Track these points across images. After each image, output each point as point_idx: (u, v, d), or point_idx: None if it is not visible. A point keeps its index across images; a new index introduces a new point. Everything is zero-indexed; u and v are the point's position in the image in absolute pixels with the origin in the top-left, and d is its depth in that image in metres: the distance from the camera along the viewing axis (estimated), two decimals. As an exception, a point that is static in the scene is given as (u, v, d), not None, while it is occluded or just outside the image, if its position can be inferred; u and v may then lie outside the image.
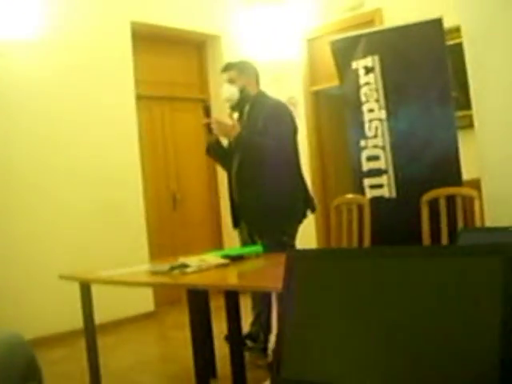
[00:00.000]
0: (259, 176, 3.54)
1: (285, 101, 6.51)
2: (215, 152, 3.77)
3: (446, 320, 0.82)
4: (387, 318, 0.87)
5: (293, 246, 3.64)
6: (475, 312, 0.80)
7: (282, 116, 3.67)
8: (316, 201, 6.18)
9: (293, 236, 3.67)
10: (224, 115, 3.71)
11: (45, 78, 4.82)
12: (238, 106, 3.70)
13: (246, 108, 3.68)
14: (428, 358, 0.82)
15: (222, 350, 3.57)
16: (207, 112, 3.63)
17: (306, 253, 1.01)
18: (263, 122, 3.55)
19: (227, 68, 3.76)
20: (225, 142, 3.76)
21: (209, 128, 3.59)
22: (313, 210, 3.81)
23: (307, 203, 3.76)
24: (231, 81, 3.66)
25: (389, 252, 0.91)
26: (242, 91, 3.66)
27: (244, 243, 3.69)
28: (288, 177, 3.65)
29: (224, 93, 3.67)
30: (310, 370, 0.91)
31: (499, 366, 0.75)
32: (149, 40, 5.79)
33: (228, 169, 3.82)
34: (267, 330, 3.81)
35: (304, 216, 3.75)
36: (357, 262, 0.95)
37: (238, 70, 3.71)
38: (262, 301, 3.73)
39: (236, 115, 3.75)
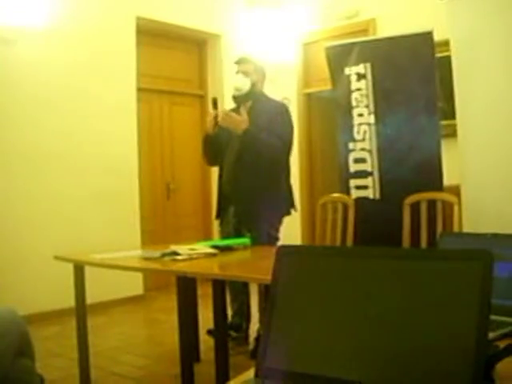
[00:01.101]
0: (258, 170, 3.54)
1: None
2: (211, 143, 3.71)
3: (424, 319, 0.83)
4: (368, 315, 0.87)
5: (278, 238, 3.68)
6: (453, 313, 0.81)
7: (286, 117, 3.68)
8: (303, 198, 6.22)
9: (278, 229, 3.70)
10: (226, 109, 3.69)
11: (50, 67, 4.79)
12: (242, 99, 3.66)
13: (249, 103, 3.66)
14: (406, 354, 0.82)
15: (206, 336, 3.58)
16: (215, 104, 3.57)
17: (295, 248, 1.01)
18: (268, 120, 3.55)
19: (245, 61, 3.75)
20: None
21: (215, 120, 3.55)
22: (295, 210, 3.86)
23: (292, 201, 3.78)
24: (246, 73, 3.66)
25: (374, 252, 0.91)
26: (252, 85, 3.66)
27: (227, 236, 3.65)
28: (282, 175, 3.70)
29: (237, 81, 3.64)
30: (294, 360, 0.92)
31: (473, 365, 0.76)
32: (152, 35, 5.78)
33: (215, 162, 3.85)
34: (246, 319, 3.84)
35: (288, 213, 3.78)
36: (343, 260, 0.95)
37: (254, 66, 3.73)
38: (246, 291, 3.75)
39: (233, 108, 3.72)
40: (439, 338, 0.80)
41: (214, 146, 3.72)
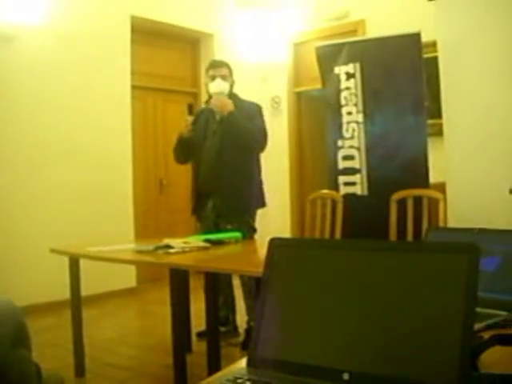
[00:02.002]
0: (241, 160, 3.63)
1: (270, 99, 6.56)
2: (185, 145, 3.74)
3: (412, 310, 0.83)
4: (358, 306, 0.88)
5: (256, 229, 3.74)
6: (440, 304, 0.81)
7: (262, 114, 3.77)
8: (293, 194, 6.23)
9: (255, 220, 3.77)
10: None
11: (46, 64, 4.77)
12: None
13: None
14: (394, 345, 0.83)
15: (198, 327, 3.58)
16: (191, 110, 3.68)
17: (287, 241, 1.01)
18: (247, 117, 3.61)
19: (222, 64, 3.76)
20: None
21: (192, 125, 3.63)
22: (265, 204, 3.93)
23: (264, 195, 3.86)
24: (224, 77, 3.67)
25: (364, 245, 0.92)
26: (230, 88, 3.70)
27: (207, 230, 3.64)
28: (256, 170, 3.78)
29: (217, 87, 3.64)
30: (286, 349, 0.92)
31: (460, 354, 0.76)
32: (147, 34, 5.76)
33: (185, 161, 3.91)
34: (233, 311, 3.85)
35: (264, 205, 3.86)
36: (333, 252, 0.95)
37: (230, 70, 3.75)
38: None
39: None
40: (426, 328, 0.81)
41: (187, 147, 3.75)
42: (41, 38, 4.69)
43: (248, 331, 3.60)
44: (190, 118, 3.64)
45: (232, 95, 3.71)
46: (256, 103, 3.82)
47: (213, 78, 3.66)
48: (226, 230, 3.57)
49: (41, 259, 4.34)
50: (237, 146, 3.59)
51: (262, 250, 1.03)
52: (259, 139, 3.65)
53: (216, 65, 3.77)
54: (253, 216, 3.76)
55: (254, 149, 3.70)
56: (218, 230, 3.59)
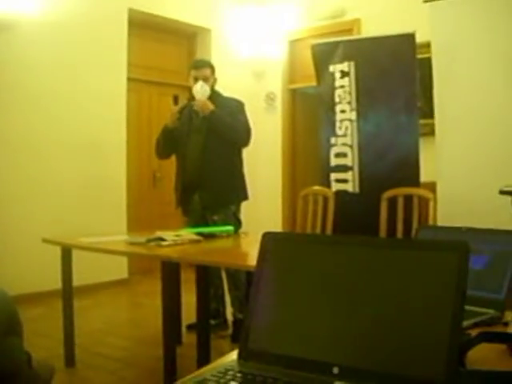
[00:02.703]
0: (224, 154, 3.68)
1: (264, 95, 6.56)
2: (169, 136, 3.77)
3: (401, 306, 0.83)
4: (349, 300, 0.88)
5: (241, 221, 3.77)
6: (429, 301, 0.81)
7: (244, 110, 3.80)
8: (285, 190, 6.24)
9: (240, 212, 3.82)
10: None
11: (42, 55, 4.74)
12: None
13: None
14: (383, 339, 0.83)
15: (188, 320, 3.58)
16: (176, 101, 3.70)
17: (279, 235, 1.01)
18: (230, 112, 3.66)
19: (204, 65, 3.80)
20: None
21: (178, 114, 3.67)
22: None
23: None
24: (206, 79, 3.68)
25: (355, 241, 0.92)
26: (212, 87, 3.73)
27: (194, 224, 3.65)
28: (239, 164, 3.83)
29: (199, 91, 3.64)
30: (277, 343, 0.92)
31: (448, 350, 0.77)
32: (144, 27, 5.73)
33: (168, 155, 3.94)
34: (223, 303, 3.86)
35: (247, 197, 3.89)
36: (325, 247, 0.96)
37: (211, 69, 3.77)
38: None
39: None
40: (415, 324, 0.81)
41: (170, 140, 3.77)
42: (37, 29, 4.66)
43: (235, 323, 3.62)
44: (176, 108, 3.66)
45: (214, 93, 3.74)
46: (238, 99, 3.83)
47: (195, 80, 3.68)
48: (214, 222, 3.61)
49: (33, 249, 4.32)
50: (220, 141, 3.63)
51: (254, 245, 1.03)
52: (242, 135, 3.70)
53: (198, 65, 3.79)
54: (238, 207, 3.81)
55: (237, 144, 3.76)
56: (206, 223, 3.63)
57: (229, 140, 3.67)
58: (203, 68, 3.73)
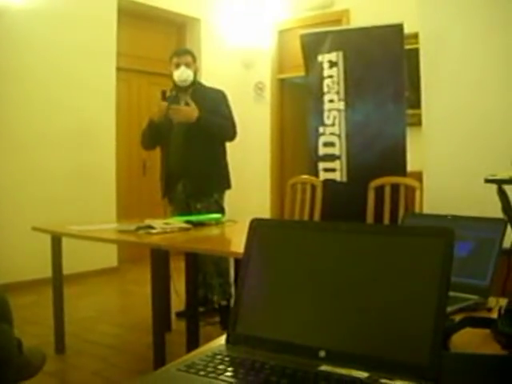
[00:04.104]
0: (208, 144, 3.69)
1: (253, 85, 6.54)
2: (155, 129, 3.76)
3: (387, 291, 0.84)
4: (336, 285, 0.88)
5: (224, 209, 3.79)
6: (415, 286, 0.82)
7: (228, 100, 3.81)
8: (273, 178, 6.23)
9: (223, 200, 3.85)
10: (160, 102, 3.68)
11: (31, 44, 4.69)
12: (186, 89, 3.73)
13: (189, 91, 3.73)
14: (369, 324, 0.84)
15: (177, 307, 3.59)
16: (164, 96, 3.66)
17: (267, 222, 1.02)
18: (213, 104, 3.69)
19: (186, 52, 3.83)
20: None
21: (166, 111, 3.61)
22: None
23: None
24: (188, 65, 3.70)
25: (343, 227, 0.92)
26: (194, 75, 3.75)
27: (180, 212, 3.67)
28: (222, 153, 3.85)
29: (182, 74, 3.67)
30: (265, 327, 0.93)
31: (432, 334, 0.77)
32: (133, 16, 5.69)
33: (153, 146, 3.93)
34: (211, 290, 3.87)
35: (230, 186, 3.91)
36: (313, 233, 0.96)
37: (193, 57, 3.80)
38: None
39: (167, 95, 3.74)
40: (401, 309, 0.82)
41: (156, 132, 3.77)
42: (26, 18, 4.60)
43: (221, 310, 3.64)
44: (164, 104, 3.63)
45: (196, 82, 3.77)
46: (221, 90, 3.84)
47: (177, 66, 3.69)
48: (197, 210, 3.64)
49: (23, 238, 4.30)
50: (203, 132, 3.62)
51: (243, 232, 1.03)
52: (230, 131, 3.74)
53: (180, 52, 3.81)
54: (222, 196, 3.83)
55: (225, 141, 3.81)
56: (190, 211, 3.65)
57: (218, 139, 3.73)
58: (185, 55, 3.75)
